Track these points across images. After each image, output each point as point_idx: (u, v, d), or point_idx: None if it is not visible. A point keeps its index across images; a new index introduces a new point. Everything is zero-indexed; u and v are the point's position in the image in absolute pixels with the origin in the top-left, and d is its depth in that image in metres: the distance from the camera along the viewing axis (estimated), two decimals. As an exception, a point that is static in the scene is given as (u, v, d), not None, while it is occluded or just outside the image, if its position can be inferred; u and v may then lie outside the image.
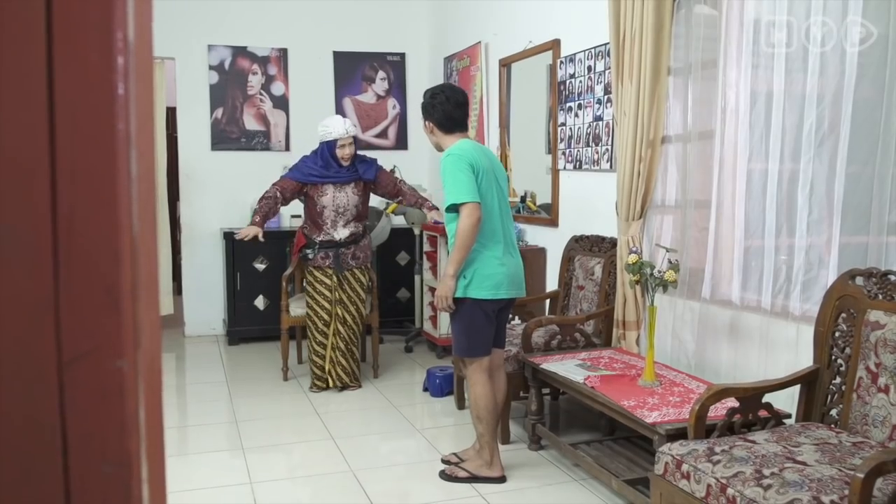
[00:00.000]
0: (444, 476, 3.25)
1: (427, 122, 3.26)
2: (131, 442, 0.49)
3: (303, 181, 4.43)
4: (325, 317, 4.46)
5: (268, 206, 4.41)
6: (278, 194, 4.42)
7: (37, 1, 0.47)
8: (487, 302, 3.07)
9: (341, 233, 4.46)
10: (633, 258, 3.00)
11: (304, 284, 4.57)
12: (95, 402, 0.47)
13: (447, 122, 3.19)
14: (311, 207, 4.50)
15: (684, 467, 2.25)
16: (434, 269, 5.38)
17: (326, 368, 4.48)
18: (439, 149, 3.25)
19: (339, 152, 4.33)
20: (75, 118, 0.46)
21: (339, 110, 6.34)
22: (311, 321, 4.49)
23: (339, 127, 4.33)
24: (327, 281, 4.47)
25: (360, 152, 4.55)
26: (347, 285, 4.50)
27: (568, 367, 3.27)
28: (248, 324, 5.81)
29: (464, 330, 3.12)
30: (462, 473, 3.22)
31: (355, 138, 4.43)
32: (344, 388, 4.54)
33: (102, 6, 0.46)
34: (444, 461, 3.40)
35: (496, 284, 3.06)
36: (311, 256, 4.48)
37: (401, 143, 6.53)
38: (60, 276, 0.46)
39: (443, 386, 4.41)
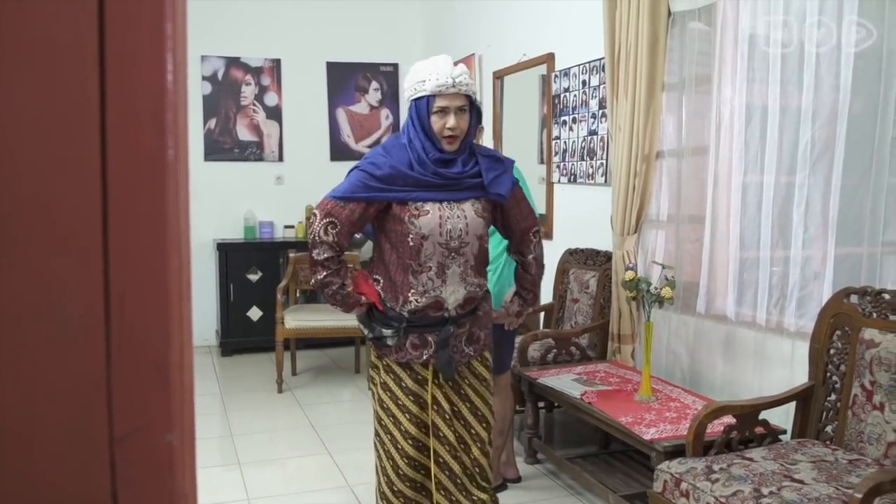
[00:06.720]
0: None
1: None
2: (178, 513, 0.50)
3: (367, 198, 2.17)
4: (415, 437, 2.28)
5: (335, 285, 2.19)
6: (336, 246, 2.18)
7: (90, 75, 0.47)
8: None
9: (454, 293, 2.21)
10: (629, 275, 3.02)
11: (372, 385, 2.38)
12: (146, 477, 0.48)
13: None
14: (396, 241, 2.21)
15: (683, 486, 2.26)
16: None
17: None
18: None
19: (435, 123, 2.15)
20: (127, 195, 0.47)
21: (333, 120, 6.34)
22: (386, 451, 2.30)
23: (441, 70, 2.13)
24: (416, 388, 2.27)
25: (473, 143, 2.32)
26: (453, 389, 2.29)
27: (565, 382, 3.29)
28: (242, 335, 5.80)
29: (513, 346, 3.24)
30: None
31: (473, 109, 2.20)
32: None
33: (154, 89, 0.47)
34: None
35: None
36: (390, 343, 2.23)
37: (394, 153, 6.53)
38: (112, 354, 0.47)
39: (438, 398, 4.41)
